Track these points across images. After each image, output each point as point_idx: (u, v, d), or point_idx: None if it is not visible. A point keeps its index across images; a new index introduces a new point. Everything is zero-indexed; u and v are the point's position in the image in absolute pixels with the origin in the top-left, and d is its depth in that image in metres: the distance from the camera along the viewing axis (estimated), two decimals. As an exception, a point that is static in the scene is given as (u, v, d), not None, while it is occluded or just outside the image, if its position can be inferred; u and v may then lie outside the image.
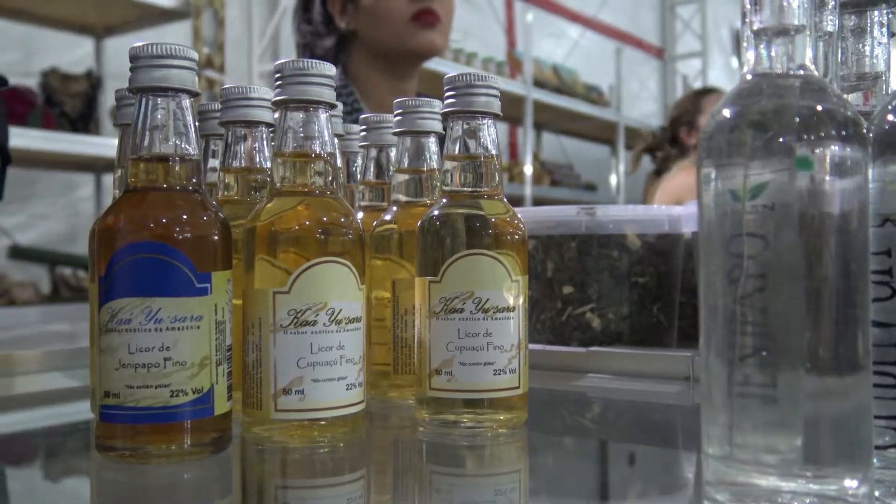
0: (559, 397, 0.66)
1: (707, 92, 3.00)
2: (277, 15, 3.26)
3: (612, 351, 0.71)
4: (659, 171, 3.19)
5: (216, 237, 0.44)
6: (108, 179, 2.69)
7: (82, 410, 0.58)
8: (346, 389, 0.46)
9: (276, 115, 0.49)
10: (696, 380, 0.66)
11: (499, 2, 3.85)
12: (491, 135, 0.52)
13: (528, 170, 3.41)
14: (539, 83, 3.47)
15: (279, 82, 0.47)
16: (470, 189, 0.51)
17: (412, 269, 0.55)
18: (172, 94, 0.44)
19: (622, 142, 3.88)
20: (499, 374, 0.49)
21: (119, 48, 2.79)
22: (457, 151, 0.51)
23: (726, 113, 0.35)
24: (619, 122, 3.84)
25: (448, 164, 0.51)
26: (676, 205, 2.79)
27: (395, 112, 0.57)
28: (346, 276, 0.46)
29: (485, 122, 0.51)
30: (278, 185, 0.48)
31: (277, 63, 0.48)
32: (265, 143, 0.54)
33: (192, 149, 0.44)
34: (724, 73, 4.87)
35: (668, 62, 4.72)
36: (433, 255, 0.50)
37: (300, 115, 0.47)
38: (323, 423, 0.46)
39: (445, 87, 0.52)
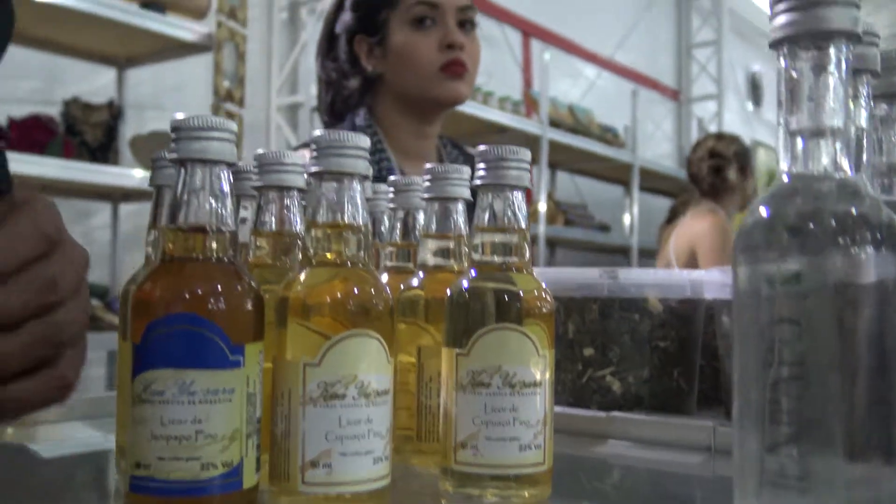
0: (580, 464, 0.65)
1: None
2: (297, 48, 3.30)
3: (633, 417, 0.71)
4: (671, 219, 3.20)
5: (250, 309, 0.44)
6: (126, 208, 2.72)
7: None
8: (373, 463, 0.47)
9: (311, 184, 0.49)
10: (718, 451, 0.66)
11: (516, 41, 3.89)
12: (521, 208, 0.52)
13: (543, 209, 3.42)
14: (555, 123, 3.49)
15: (315, 154, 0.48)
16: (499, 261, 0.51)
17: (437, 336, 0.55)
18: (211, 166, 0.45)
19: (636, 182, 3.90)
20: (524, 449, 0.49)
21: (140, 79, 2.83)
22: (487, 223, 0.52)
23: (763, 212, 0.35)
24: (633, 162, 3.86)
25: (478, 236, 0.52)
26: (691, 250, 2.79)
27: (425, 177, 0.58)
28: (376, 350, 0.47)
29: (515, 195, 0.52)
30: (311, 254, 0.48)
31: (314, 135, 0.48)
32: (297, 207, 0.55)
33: (229, 220, 0.45)
34: (739, 117, 4.89)
35: (684, 104, 4.74)
36: (462, 327, 0.50)
37: (334, 186, 0.48)
38: (349, 497, 0.46)
39: (477, 160, 0.52)
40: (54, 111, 2.43)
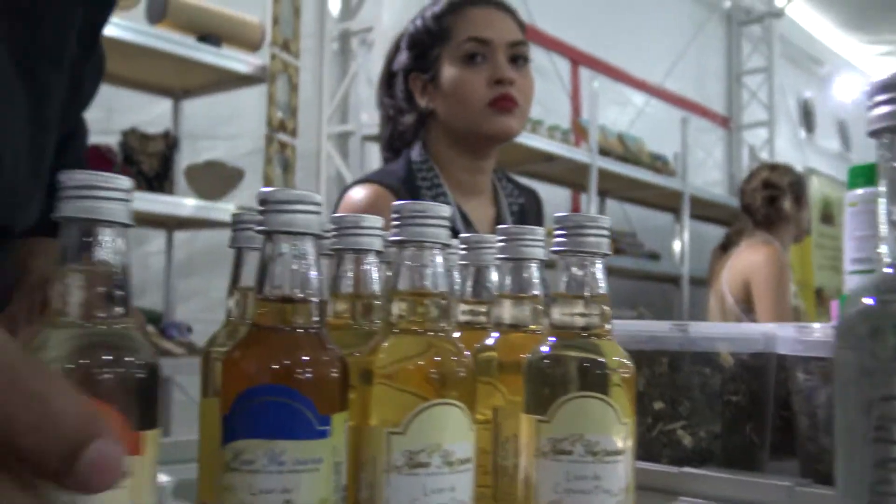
0: (653, 524, 0.65)
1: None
2: (347, 78, 3.34)
3: (706, 474, 0.70)
4: (725, 246, 3.15)
5: (336, 379, 0.45)
6: (179, 236, 2.76)
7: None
8: (455, 533, 0.47)
9: (393, 252, 0.50)
10: (796, 513, 0.64)
11: (564, 69, 3.90)
12: (602, 275, 0.52)
13: (592, 238, 3.40)
14: (604, 151, 3.48)
15: (397, 222, 0.49)
16: (580, 328, 0.51)
17: (511, 396, 0.55)
18: (298, 238, 0.45)
19: (687, 210, 3.86)
20: (607, 519, 0.48)
21: (196, 109, 2.88)
22: (566, 289, 0.52)
23: (868, 301, 0.35)
24: (683, 190, 3.83)
25: (558, 302, 0.52)
26: (745, 282, 2.74)
27: (499, 237, 0.58)
28: (459, 418, 0.47)
29: (595, 261, 0.52)
30: (393, 322, 0.49)
31: (396, 204, 0.49)
32: (374, 269, 0.55)
33: (316, 291, 0.45)
34: (790, 144, 4.83)
35: (734, 131, 4.70)
36: (543, 394, 0.50)
37: (416, 255, 0.49)
38: (430, 565, 0.46)
39: (556, 226, 0.52)
40: (113, 141, 2.48)
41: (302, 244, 0.45)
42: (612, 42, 3.99)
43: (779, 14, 4.83)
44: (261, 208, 0.45)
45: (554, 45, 3.78)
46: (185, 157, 2.70)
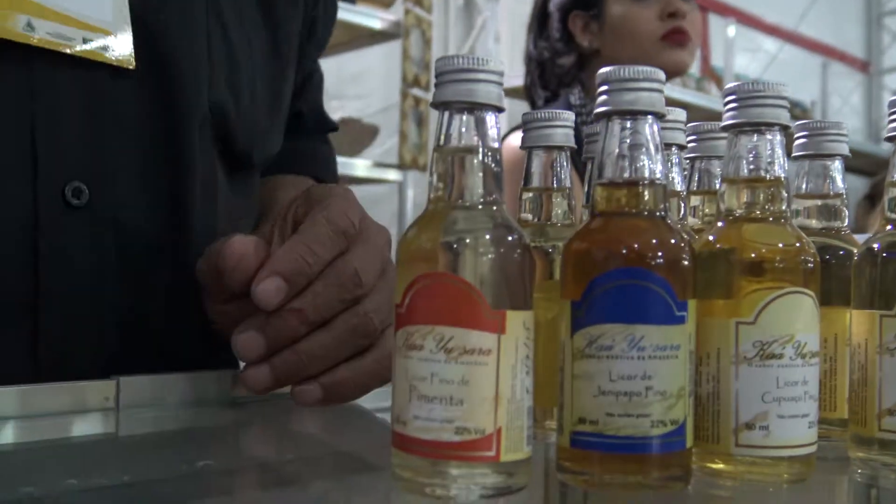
0: None
1: None
2: (474, 32, 3.31)
3: None
4: (872, 197, 2.99)
5: (689, 263, 0.43)
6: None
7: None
8: (808, 427, 0.44)
9: (728, 140, 0.47)
10: None
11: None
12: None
13: (729, 189, 3.29)
14: (740, 99, 3.34)
15: (733, 103, 0.46)
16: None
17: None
18: (640, 118, 0.43)
19: (825, 160, 3.68)
20: None
21: (329, 68, 2.91)
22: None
23: None
24: (823, 139, 3.64)
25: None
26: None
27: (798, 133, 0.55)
28: (809, 308, 0.44)
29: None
30: (724, 209, 0.46)
31: (730, 86, 0.46)
32: (564, 165, 0.54)
33: (660, 173, 0.43)
34: (935, 88, 4.54)
35: (875, 76, 4.45)
36: (888, 287, 0.47)
37: (753, 140, 0.46)
38: (785, 461, 0.44)
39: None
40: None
41: (644, 124, 0.43)
42: (742, -13, 3.82)
43: (920, -50, 4.53)
44: (604, 88, 0.43)
45: (682, -8, 3.64)
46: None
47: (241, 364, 0.58)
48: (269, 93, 0.74)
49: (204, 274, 0.60)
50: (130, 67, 0.60)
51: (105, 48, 0.59)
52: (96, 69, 0.59)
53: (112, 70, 0.60)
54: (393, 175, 2.61)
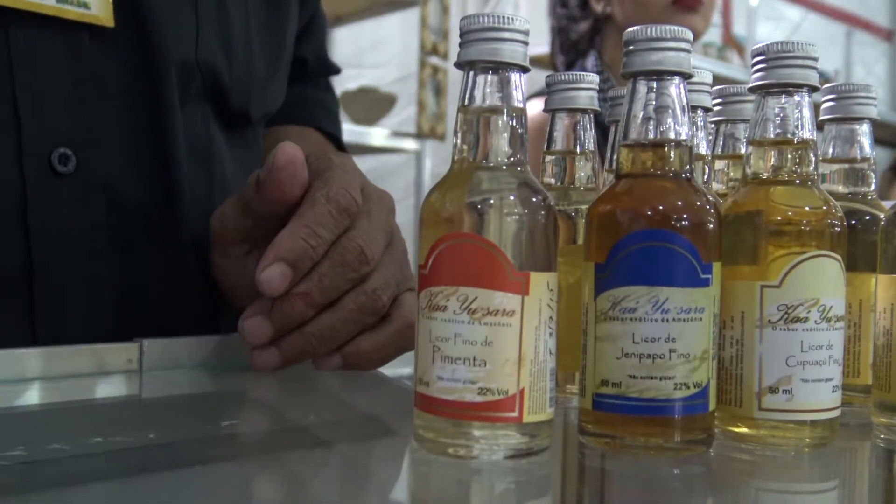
0: None
1: None
2: (492, 1, 3.28)
3: None
4: (895, 171, 2.96)
5: (715, 225, 0.42)
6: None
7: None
8: (832, 391, 0.44)
9: (756, 102, 0.46)
10: None
11: (716, -16, 3.70)
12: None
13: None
14: (762, 68, 3.30)
15: (762, 64, 0.45)
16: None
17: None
18: (667, 79, 0.43)
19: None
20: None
21: (347, 37, 2.89)
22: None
23: None
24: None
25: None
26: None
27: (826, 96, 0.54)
28: (836, 272, 0.44)
29: None
30: (750, 172, 0.46)
31: (758, 46, 0.46)
32: (588, 128, 0.54)
33: (686, 134, 0.43)
34: (961, 57, 4.46)
35: (900, 45, 4.38)
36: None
37: (782, 101, 0.45)
38: (809, 424, 0.44)
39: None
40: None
41: (670, 85, 0.43)
42: (765, -47, 3.76)
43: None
44: (630, 48, 0.43)
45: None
46: (339, 84, 2.72)
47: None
48: (267, 45, 0.72)
49: (225, 216, 0.60)
50: (110, 26, 0.58)
51: (83, 5, 0.57)
52: (75, 31, 0.58)
53: (92, 31, 0.58)
54: (410, 144, 2.60)
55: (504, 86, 0.42)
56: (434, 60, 2.78)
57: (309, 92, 0.85)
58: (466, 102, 0.42)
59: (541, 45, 1.70)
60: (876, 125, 0.56)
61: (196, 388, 0.60)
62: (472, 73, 0.42)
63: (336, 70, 0.92)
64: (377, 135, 2.53)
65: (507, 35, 0.41)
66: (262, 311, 0.55)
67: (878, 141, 3.85)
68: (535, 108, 1.47)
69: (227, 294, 0.64)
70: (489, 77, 0.42)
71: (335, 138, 0.85)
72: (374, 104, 2.72)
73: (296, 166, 0.55)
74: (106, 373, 0.58)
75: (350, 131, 2.43)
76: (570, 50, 1.59)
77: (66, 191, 0.58)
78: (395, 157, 2.70)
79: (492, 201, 0.40)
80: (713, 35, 3.44)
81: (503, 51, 0.41)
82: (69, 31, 0.58)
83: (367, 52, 3.01)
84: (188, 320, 0.65)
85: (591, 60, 1.54)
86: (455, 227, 0.40)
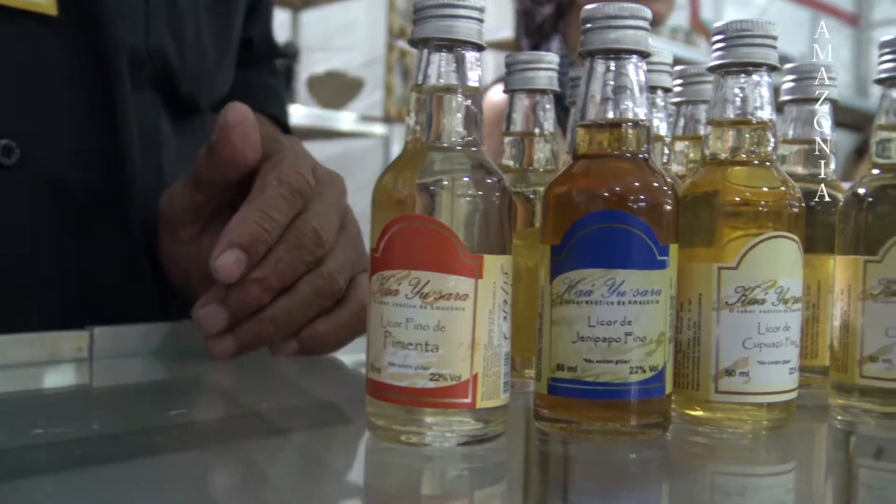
0: None
1: None
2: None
3: None
4: (861, 152, 2.99)
5: (672, 206, 0.42)
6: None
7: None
8: (789, 373, 0.44)
9: (715, 82, 0.46)
10: None
11: (683, -32, 3.70)
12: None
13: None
14: (729, 53, 3.32)
15: (721, 43, 0.45)
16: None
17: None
18: (623, 58, 0.42)
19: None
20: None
21: (315, 20, 2.86)
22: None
23: None
24: (811, 94, 3.63)
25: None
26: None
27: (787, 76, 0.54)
28: (793, 253, 0.44)
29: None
30: (708, 154, 0.45)
31: (717, 25, 0.45)
32: (547, 109, 0.53)
33: (643, 114, 0.42)
34: (924, 42, 4.51)
35: (864, 30, 4.42)
36: (873, 232, 0.46)
37: (741, 81, 0.45)
38: (765, 406, 0.43)
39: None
40: (236, 52, 2.48)
41: (628, 64, 0.42)
42: (732, -63, 3.77)
43: None
44: (588, 26, 0.42)
45: (672, -57, 3.59)
46: (307, 68, 2.69)
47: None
48: (217, 30, 0.71)
49: (177, 194, 0.58)
50: (53, 14, 0.57)
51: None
52: (19, 20, 0.56)
53: (37, 20, 0.57)
54: (379, 129, 2.58)
55: (459, 64, 0.41)
56: (402, 44, 2.76)
57: (255, 76, 0.83)
58: (420, 81, 0.41)
59: (506, 28, 1.70)
60: (840, 109, 0.56)
61: (148, 375, 0.59)
62: (426, 52, 0.41)
63: (282, 53, 0.90)
64: (345, 119, 2.51)
65: (462, 12, 0.40)
66: (217, 299, 0.54)
67: (842, 125, 3.88)
68: (498, 92, 1.46)
69: (179, 283, 0.62)
70: (443, 55, 0.41)
71: (282, 123, 0.84)
72: (342, 88, 2.69)
73: (247, 125, 0.54)
74: (56, 361, 0.56)
75: (318, 115, 2.41)
76: (535, 33, 1.59)
77: (10, 183, 0.57)
78: (363, 141, 2.68)
79: (444, 182, 0.39)
80: (681, 19, 3.45)
81: (458, 28, 0.40)
82: (11, 19, 0.56)
83: (334, 36, 2.98)
84: (141, 309, 0.64)
85: (555, 44, 1.54)
86: (407, 209, 0.39)
